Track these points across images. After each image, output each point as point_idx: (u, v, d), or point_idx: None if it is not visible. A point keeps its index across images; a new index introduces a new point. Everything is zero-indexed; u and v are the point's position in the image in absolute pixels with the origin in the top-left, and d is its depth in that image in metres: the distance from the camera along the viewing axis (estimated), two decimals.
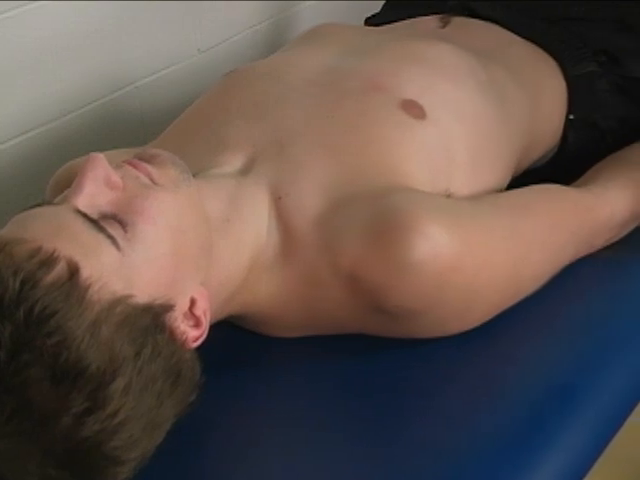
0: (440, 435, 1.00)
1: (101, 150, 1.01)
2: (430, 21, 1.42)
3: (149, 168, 0.97)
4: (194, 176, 1.03)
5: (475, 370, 1.09)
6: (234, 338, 1.13)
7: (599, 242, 1.21)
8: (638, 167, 1.27)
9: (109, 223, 0.92)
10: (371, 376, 1.08)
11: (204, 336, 0.98)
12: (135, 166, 0.97)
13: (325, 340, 1.11)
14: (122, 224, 0.92)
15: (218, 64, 1.78)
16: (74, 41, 1.55)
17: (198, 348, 0.98)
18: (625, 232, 1.24)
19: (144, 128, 1.67)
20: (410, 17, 1.45)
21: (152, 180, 0.97)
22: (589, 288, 1.19)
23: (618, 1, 1.46)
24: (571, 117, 1.37)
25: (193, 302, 0.97)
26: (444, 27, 1.40)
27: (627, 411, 1.09)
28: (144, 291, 0.92)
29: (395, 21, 1.45)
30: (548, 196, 1.19)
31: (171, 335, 0.93)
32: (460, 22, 1.41)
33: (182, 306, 0.96)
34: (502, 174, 1.25)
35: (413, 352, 1.09)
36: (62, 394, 0.83)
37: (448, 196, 1.14)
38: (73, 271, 0.86)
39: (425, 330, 1.08)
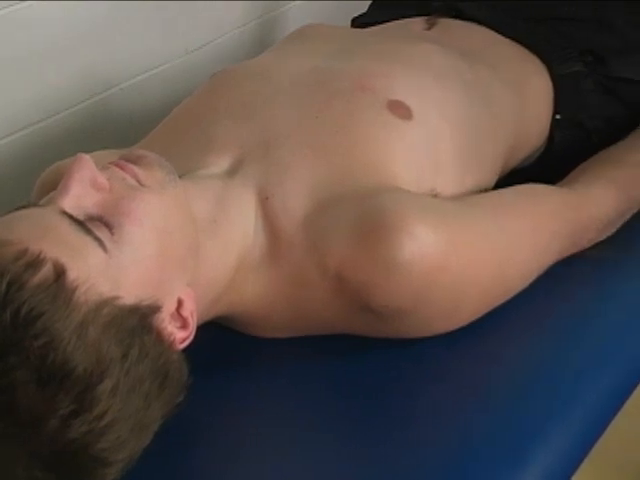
0: (428, 435, 1.01)
1: (89, 150, 1.02)
2: (416, 23, 1.42)
3: (135, 169, 0.97)
4: (181, 177, 1.03)
5: (463, 370, 1.09)
6: (222, 339, 1.13)
7: (584, 241, 1.21)
8: (623, 166, 1.28)
9: (95, 225, 0.92)
10: (359, 376, 1.08)
11: (191, 337, 0.98)
12: (121, 167, 0.97)
13: (313, 340, 1.11)
14: (109, 226, 0.92)
15: (206, 64, 1.77)
16: (62, 41, 1.55)
17: (186, 349, 0.98)
18: (610, 231, 1.24)
19: (132, 128, 1.67)
20: (397, 17, 1.45)
21: (138, 181, 0.97)
22: (575, 287, 1.19)
23: (603, 1, 1.46)
24: (557, 117, 1.37)
25: (180, 303, 0.97)
26: (430, 29, 1.41)
27: (614, 411, 1.09)
28: (131, 292, 0.92)
29: (382, 22, 1.45)
30: (534, 196, 1.19)
31: (158, 336, 0.93)
32: (446, 23, 1.41)
33: (169, 307, 0.96)
34: (488, 174, 1.25)
35: (401, 352, 1.09)
36: (49, 396, 0.83)
37: (434, 196, 1.14)
38: (60, 273, 0.86)
39: (412, 330, 1.08)
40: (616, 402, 1.10)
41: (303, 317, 1.09)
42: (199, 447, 1.02)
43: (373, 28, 1.44)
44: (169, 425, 0.94)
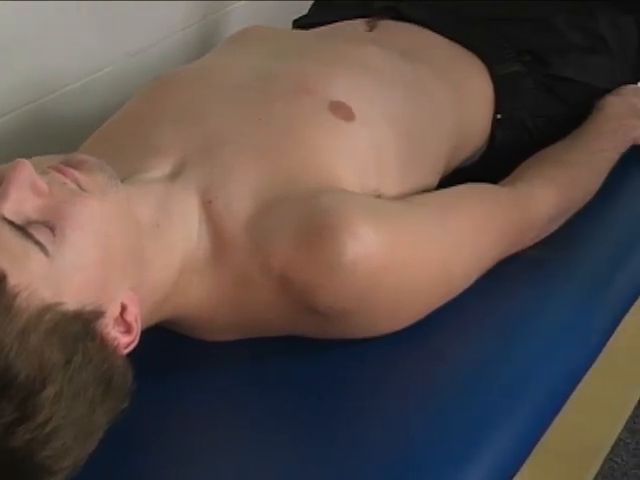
0: (376, 435, 1.01)
1: (31, 155, 1.01)
2: (357, 25, 1.42)
3: (76, 174, 0.96)
4: (123, 181, 1.02)
5: (408, 369, 1.10)
6: (168, 343, 1.12)
7: (527, 240, 1.22)
8: (563, 166, 1.29)
9: (36, 228, 0.91)
10: (307, 377, 1.09)
11: (136, 342, 0.98)
12: (62, 172, 0.96)
13: (259, 343, 1.11)
14: (50, 229, 0.92)
15: (148, 67, 1.76)
16: (1, 45, 1.53)
17: (130, 354, 0.97)
18: (552, 229, 1.25)
19: (74, 133, 1.64)
20: (337, 19, 1.46)
21: (79, 186, 0.96)
22: (515, 286, 1.21)
23: (542, 1, 1.48)
24: (498, 116, 1.39)
25: (124, 308, 0.97)
26: (371, 30, 1.41)
27: (557, 408, 1.11)
28: (74, 298, 0.91)
29: (323, 23, 1.46)
30: (477, 195, 1.20)
31: (102, 342, 0.92)
32: (387, 25, 1.42)
33: (113, 312, 0.96)
34: (431, 174, 1.26)
35: (347, 352, 1.09)
36: None
37: (378, 196, 1.14)
38: (0, 279, 0.85)
39: (357, 330, 1.09)
40: (558, 400, 1.11)
41: (248, 319, 1.09)
42: (149, 453, 1.02)
43: (314, 30, 1.45)
44: (118, 431, 0.93)
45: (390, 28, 1.41)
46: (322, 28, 1.44)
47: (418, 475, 0.98)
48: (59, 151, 1.23)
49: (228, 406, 1.08)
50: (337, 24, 1.45)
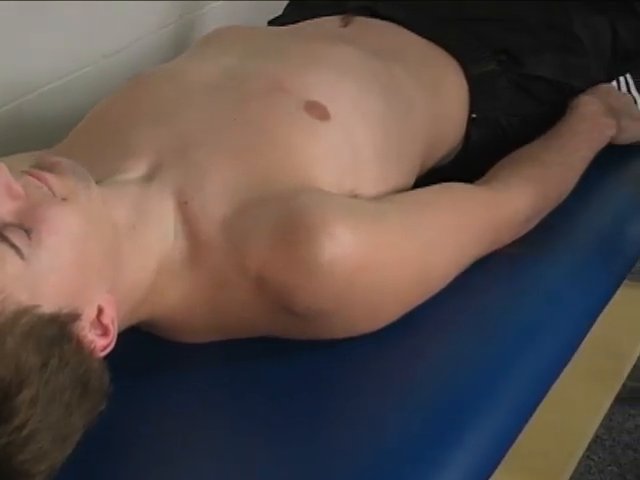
0: (352, 435, 1.01)
1: (8, 155, 1.00)
2: (331, 21, 1.42)
3: (50, 178, 0.96)
4: (98, 183, 1.02)
5: (386, 368, 1.10)
6: (145, 345, 1.12)
7: (504, 239, 1.22)
8: (539, 165, 1.29)
9: (12, 231, 0.90)
10: (284, 378, 1.08)
11: (112, 344, 0.98)
12: (36, 176, 0.96)
13: (237, 344, 1.11)
14: (26, 231, 0.91)
15: (124, 68, 1.76)
16: None
17: (108, 356, 0.97)
18: (528, 228, 1.26)
19: (51, 134, 1.64)
20: (312, 19, 1.46)
21: (53, 192, 0.95)
22: (494, 285, 1.21)
23: (516, 1, 1.48)
24: (473, 116, 1.39)
25: (100, 310, 0.97)
26: (345, 26, 1.41)
27: (534, 405, 1.11)
28: (50, 301, 0.91)
29: (297, 22, 1.46)
30: (453, 194, 1.20)
31: (78, 345, 0.92)
32: (361, 22, 1.42)
33: (89, 315, 0.95)
34: (407, 173, 1.26)
35: (325, 352, 1.09)
36: None
37: (355, 196, 1.14)
38: None
39: (335, 331, 1.09)
40: (535, 398, 1.12)
41: (225, 320, 1.08)
42: (125, 454, 1.02)
43: (289, 27, 1.44)
44: (95, 433, 0.93)
45: (365, 26, 1.41)
46: (297, 25, 1.44)
47: (396, 475, 0.97)
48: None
49: (206, 407, 1.08)
50: (312, 20, 1.45)
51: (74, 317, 0.93)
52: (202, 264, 1.06)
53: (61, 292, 0.92)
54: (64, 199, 0.95)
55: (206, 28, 1.91)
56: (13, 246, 0.90)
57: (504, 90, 1.41)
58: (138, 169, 1.09)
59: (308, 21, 1.45)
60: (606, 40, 1.49)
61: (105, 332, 0.97)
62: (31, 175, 0.96)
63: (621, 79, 1.53)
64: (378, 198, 1.17)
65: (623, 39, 1.50)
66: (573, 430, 1.39)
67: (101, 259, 0.97)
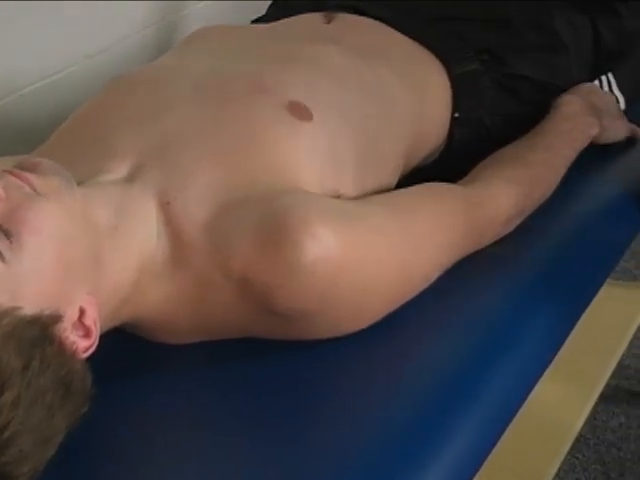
0: (339, 434, 1.01)
1: None
2: (314, 18, 1.42)
3: (31, 178, 0.96)
4: (80, 184, 1.02)
5: (370, 369, 1.10)
6: (128, 346, 1.12)
7: (486, 239, 1.23)
8: (522, 165, 1.29)
9: None
10: (268, 379, 1.09)
11: (95, 346, 0.98)
12: (17, 176, 0.96)
13: (221, 345, 1.11)
14: (7, 234, 0.91)
15: (107, 69, 1.76)
16: None
17: (91, 357, 0.97)
18: (511, 228, 1.26)
19: (33, 135, 1.64)
20: None
21: (35, 190, 0.95)
22: (478, 284, 1.21)
23: (499, 1, 1.49)
24: (456, 115, 1.39)
25: (82, 312, 0.97)
26: (329, 23, 1.41)
27: (519, 404, 1.11)
28: (31, 302, 0.91)
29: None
30: (436, 194, 1.20)
31: (60, 346, 0.92)
32: (345, 20, 1.41)
33: (71, 316, 0.95)
34: (390, 173, 1.26)
35: (308, 353, 1.09)
36: None
37: (337, 196, 1.14)
38: None
39: (319, 331, 1.09)
40: (519, 397, 1.12)
41: (209, 321, 1.08)
42: (109, 455, 1.02)
43: (272, 25, 1.44)
44: (78, 435, 0.93)
45: (349, 25, 1.40)
46: (279, 22, 1.44)
47: (380, 474, 0.98)
48: (17, 154, 1.22)
49: (190, 408, 1.08)
50: (295, 17, 1.44)
51: (56, 318, 0.92)
52: (185, 265, 1.06)
53: (42, 293, 0.92)
54: (46, 197, 0.95)
55: (189, 29, 1.90)
56: None
57: (487, 90, 1.41)
58: (120, 170, 1.09)
59: (291, 18, 1.44)
60: (588, 39, 1.49)
61: (87, 333, 0.97)
62: (12, 174, 0.96)
63: (603, 78, 1.54)
64: (361, 198, 1.17)
65: (605, 38, 1.50)
66: (557, 429, 1.40)
67: (83, 260, 0.97)
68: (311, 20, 1.42)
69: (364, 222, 1.09)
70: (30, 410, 0.86)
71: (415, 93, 1.33)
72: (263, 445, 1.01)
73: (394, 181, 1.28)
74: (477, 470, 1.04)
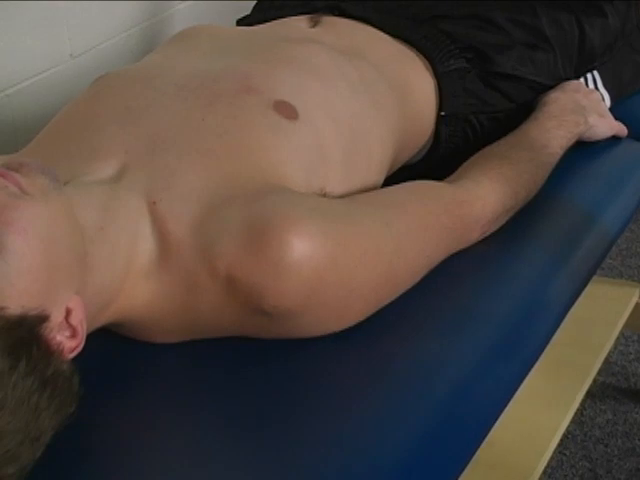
0: (328, 433, 1.01)
1: None
2: (300, 21, 1.43)
3: (17, 177, 0.95)
4: (66, 184, 1.01)
5: (357, 368, 1.10)
6: (115, 346, 1.12)
7: (473, 237, 1.23)
8: (508, 161, 1.30)
9: None
10: (253, 378, 1.08)
11: (81, 346, 0.97)
12: (3, 176, 0.95)
13: (207, 344, 1.11)
14: None
15: (93, 69, 1.75)
16: None
17: (77, 357, 0.97)
18: (497, 226, 1.26)
19: (16, 136, 1.64)
20: (280, 18, 1.46)
21: (21, 189, 0.95)
22: (464, 283, 1.21)
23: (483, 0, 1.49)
24: (442, 113, 1.39)
25: (69, 312, 0.96)
26: (314, 27, 1.41)
27: (505, 402, 1.12)
28: (17, 303, 0.90)
29: (265, 23, 1.45)
30: (422, 193, 1.20)
31: (47, 347, 0.92)
32: (330, 21, 1.42)
33: (57, 316, 0.95)
34: (376, 172, 1.26)
35: (294, 352, 1.09)
36: None
37: (324, 195, 1.15)
38: None
39: (305, 330, 1.09)
40: (506, 395, 1.12)
41: (195, 321, 1.08)
42: (95, 455, 1.01)
43: (256, 27, 1.44)
44: (65, 435, 0.93)
45: (333, 25, 1.41)
46: (265, 25, 1.44)
47: (367, 473, 0.98)
48: (5, 153, 1.22)
49: (178, 407, 1.07)
50: (280, 20, 1.45)
51: (42, 319, 0.92)
52: (172, 265, 1.06)
53: (28, 294, 0.92)
54: (32, 197, 0.95)
55: (174, 29, 1.91)
56: None
57: (473, 88, 1.41)
58: (106, 170, 1.09)
59: (276, 21, 1.45)
60: (573, 38, 1.50)
61: (74, 333, 0.97)
62: None
63: (588, 76, 1.54)
64: (347, 197, 1.17)
65: (590, 36, 1.51)
66: (544, 425, 1.40)
67: (69, 260, 0.97)
68: (296, 23, 1.42)
69: (350, 221, 1.09)
70: (16, 411, 0.86)
71: (401, 92, 1.34)
72: (247, 445, 1.00)
73: (380, 179, 1.28)
74: (464, 467, 1.04)
